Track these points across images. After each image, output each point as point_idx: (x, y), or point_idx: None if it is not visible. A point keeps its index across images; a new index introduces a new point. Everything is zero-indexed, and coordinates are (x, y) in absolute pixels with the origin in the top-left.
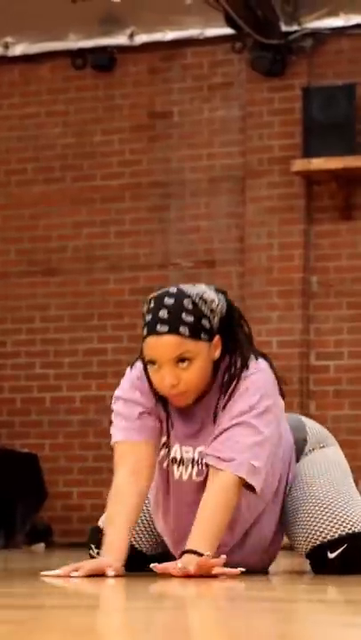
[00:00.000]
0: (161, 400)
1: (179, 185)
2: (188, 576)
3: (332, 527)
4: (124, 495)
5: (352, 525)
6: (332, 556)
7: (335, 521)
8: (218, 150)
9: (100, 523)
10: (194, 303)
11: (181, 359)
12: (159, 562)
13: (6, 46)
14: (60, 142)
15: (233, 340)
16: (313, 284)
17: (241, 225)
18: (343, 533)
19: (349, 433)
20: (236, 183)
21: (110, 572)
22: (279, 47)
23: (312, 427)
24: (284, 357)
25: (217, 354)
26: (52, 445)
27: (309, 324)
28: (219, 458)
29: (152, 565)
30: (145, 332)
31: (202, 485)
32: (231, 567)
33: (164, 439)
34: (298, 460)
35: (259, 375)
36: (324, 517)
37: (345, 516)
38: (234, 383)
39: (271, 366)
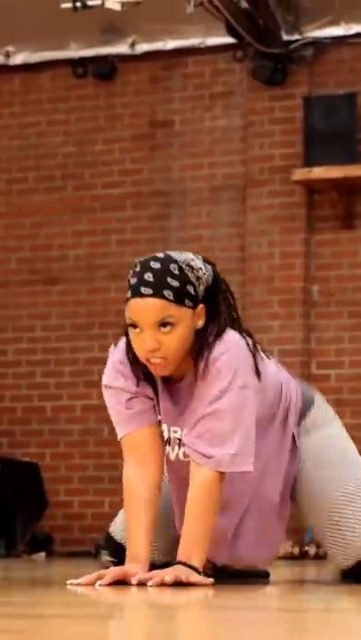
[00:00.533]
0: (148, 379)
1: (180, 194)
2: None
3: None
4: (135, 494)
5: None
6: None
7: None
8: (219, 159)
9: (112, 529)
10: (180, 268)
11: (163, 323)
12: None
13: (7, 55)
14: (60, 151)
15: (216, 310)
16: (314, 293)
17: (242, 234)
18: None
19: None
20: (236, 192)
21: (135, 581)
22: (280, 56)
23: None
24: (285, 366)
25: (200, 323)
26: (53, 454)
27: (310, 332)
28: (197, 452)
29: (136, 578)
30: (129, 294)
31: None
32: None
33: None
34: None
35: (231, 353)
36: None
37: None
38: (206, 355)
39: (254, 344)
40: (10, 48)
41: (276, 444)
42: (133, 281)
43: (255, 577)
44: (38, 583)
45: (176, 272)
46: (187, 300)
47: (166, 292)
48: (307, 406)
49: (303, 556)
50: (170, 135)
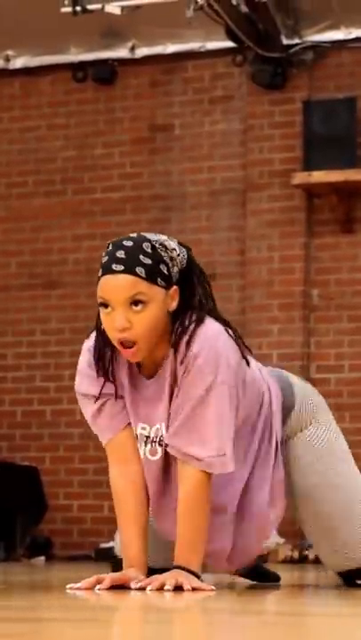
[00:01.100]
0: (115, 378)
1: (179, 198)
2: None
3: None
4: (122, 497)
5: None
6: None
7: None
8: (218, 163)
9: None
10: (153, 247)
11: (135, 302)
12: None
13: (7, 59)
14: (60, 155)
15: (191, 295)
16: (314, 297)
17: (242, 238)
18: None
19: (351, 446)
20: (236, 196)
21: (134, 585)
22: (280, 60)
23: (297, 384)
24: (285, 370)
25: (173, 305)
26: (53, 458)
27: (310, 336)
28: (185, 454)
29: (135, 585)
30: (100, 272)
31: (159, 464)
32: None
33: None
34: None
35: (212, 348)
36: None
37: None
38: (185, 342)
39: (235, 332)
40: (10, 52)
41: (263, 451)
42: (105, 259)
43: (268, 581)
44: (38, 587)
45: (149, 250)
46: (159, 279)
47: (138, 270)
48: (287, 411)
49: (303, 560)
50: (170, 139)
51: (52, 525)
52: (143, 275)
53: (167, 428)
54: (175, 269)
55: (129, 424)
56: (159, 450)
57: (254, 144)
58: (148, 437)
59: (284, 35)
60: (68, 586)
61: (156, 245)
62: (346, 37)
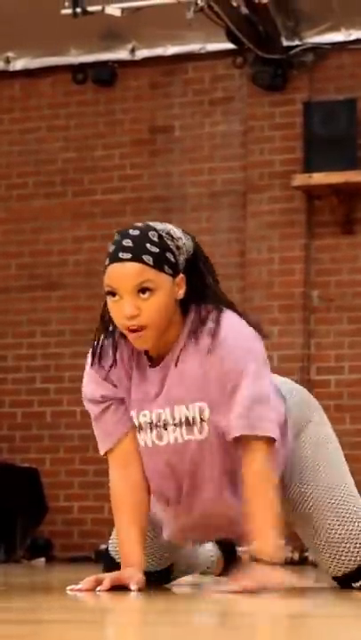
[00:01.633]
0: (119, 374)
1: (180, 199)
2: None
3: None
4: (122, 497)
5: None
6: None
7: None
8: (219, 165)
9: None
10: (160, 236)
11: (142, 289)
12: (161, 577)
13: (7, 61)
14: (60, 157)
15: (201, 284)
16: (314, 299)
17: (242, 239)
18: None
19: (351, 448)
20: (236, 198)
21: (133, 586)
22: (280, 62)
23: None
24: (285, 372)
25: (180, 293)
26: (53, 460)
27: (310, 338)
28: (260, 428)
29: (220, 590)
30: (107, 261)
31: (167, 449)
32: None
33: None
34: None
35: (240, 330)
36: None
37: None
38: (209, 327)
39: (241, 315)
40: (10, 54)
41: None
42: (112, 249)
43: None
44: (38, 588)
45: (155, 239)
46: (166, 267)
47: (145, 257)
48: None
49: (303, 561)
50: (170, 141)
51: (53, 527)
52: (150, 262)
53: (172, 412)
54: (182, 258)
55: (131, 431)
56: (165, 434)
57: (255, 146)
58: (151, 423)
59: (285, 36)
60: (68, 587)
61: (163, 234)
62: (346, 39)
